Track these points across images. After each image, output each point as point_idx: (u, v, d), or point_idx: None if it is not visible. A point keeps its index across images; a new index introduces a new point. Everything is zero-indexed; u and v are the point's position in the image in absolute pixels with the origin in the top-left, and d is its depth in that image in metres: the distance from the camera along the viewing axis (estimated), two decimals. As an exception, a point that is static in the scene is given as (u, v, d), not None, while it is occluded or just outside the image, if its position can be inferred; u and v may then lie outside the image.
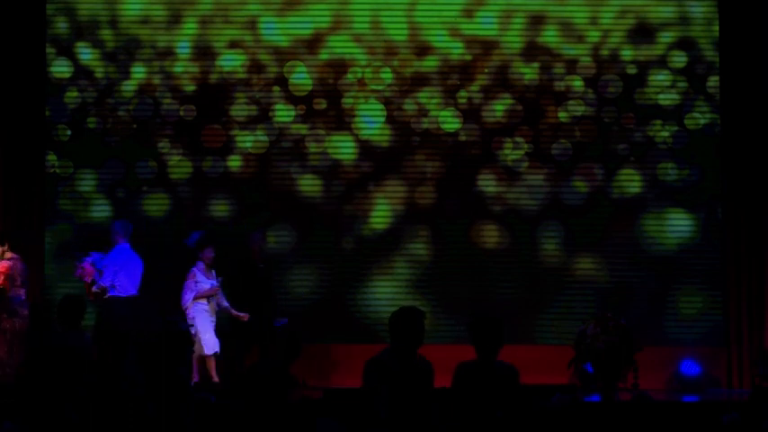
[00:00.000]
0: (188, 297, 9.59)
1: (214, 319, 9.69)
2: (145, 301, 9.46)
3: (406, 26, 10.74)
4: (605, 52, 10.72)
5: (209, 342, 9.54)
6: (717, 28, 10.65)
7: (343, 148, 10.68)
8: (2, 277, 9.34)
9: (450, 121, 10.69)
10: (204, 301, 9.62)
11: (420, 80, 10.71)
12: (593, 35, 10.72)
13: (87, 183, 10.60)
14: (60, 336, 7.60)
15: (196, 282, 9.62)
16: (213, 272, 9.75)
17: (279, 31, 10.72)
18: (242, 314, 9.70)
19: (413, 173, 10.67)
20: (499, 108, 10.69)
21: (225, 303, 9.76)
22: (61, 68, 10.64)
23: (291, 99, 10.69)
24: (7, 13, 10.48)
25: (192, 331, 9.47)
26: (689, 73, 10.69)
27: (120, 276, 9.49)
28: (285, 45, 10.72)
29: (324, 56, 10.71)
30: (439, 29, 10.72)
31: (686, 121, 10.67)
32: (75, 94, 10.63)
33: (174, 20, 10.73)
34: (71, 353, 7.16)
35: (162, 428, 6.35)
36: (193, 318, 9.53)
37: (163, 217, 10.60)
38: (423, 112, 10.69)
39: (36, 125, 10.53)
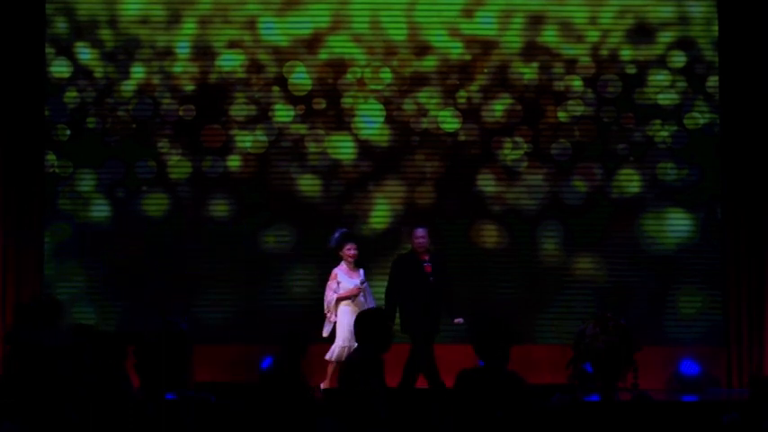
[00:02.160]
0: (330, 298, 9.22)
1: None
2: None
3: (405, 26, 10.75)
4: (605, 52, 10.72)
5: (334, 350, 9.17)
6: (716, 28, 10.66)
7: (343, 147, 10.68)
8: None
9: (449, 120, 10.69)
10: (349, 302, 9.18)
11: (419, 80, 10.71)
12: (593, 35, 10.73)
13: (87, 182, 10.59)
14: (36, 334, 7.61)
15: (338, 282, 9.25)
16: (361, 270, 9.42)
17: (278, 30, 10.72)
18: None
19: (412, 173, 10.67)
20: (498, 108, 10.70)
21: (372, 305, 9.26)
22: (60, 68, 10.64)
23: (291, 99, 10.69)
24: (6, 13, 10.47)
25: (325, 334, 9.28)
26: (688, 73, 10.69)
27: None
28: (284, 45, 10.72)
29: (323, 56, 10.71)
30: (438, 29, 10.72)
31: (686, 121, 10.68)
32: (74, 93, 10.63)
33: (174, 20, 10.72)
34: (47, 352, 7.17)
35: (162, 428, 6.34)
36: (334, 322, 9.20)
37: (162, 217, 10.59)
38: (422, 112, 10.70)
39: (35, 125, 10.52)
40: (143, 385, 7.31)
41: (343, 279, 9.28)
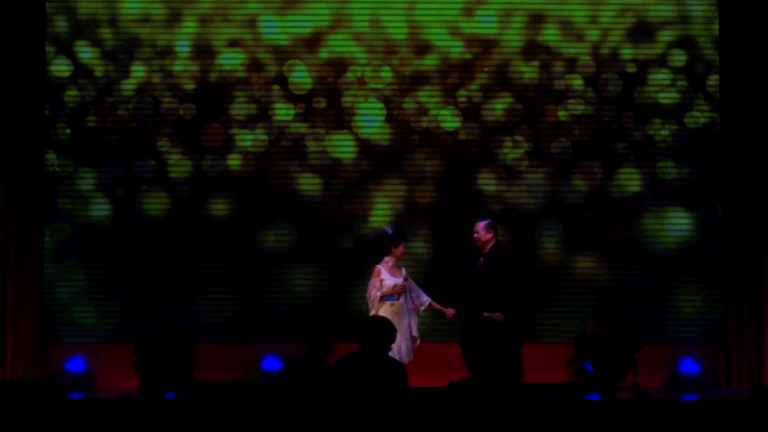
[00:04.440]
0: (374, 296, 9.02)
1: (404, 322, 8.90)
2: None
3: (405, 25, 10.74)
4: (605, 51, 10.72)
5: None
6: (716, 27, 10.66)
7: (343, 146, 10.68)
8: None
9: (449, 119, 10.69)
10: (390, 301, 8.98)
11: (420, 79, 10.71)
12: (593, 34, 10.72)
13: (87, 182, 10.58)
14: None
15: (382, 280, 9.06)
16: (403, 270, 9.21)
17: (278, 29, 10.72)
18: (446, 309, 9.27)
19: (412, 172, 10.67)
20: (499, 107, 10.69)
21: (425, 298, 9.24)
22: (61, 67, 10.63)
23: (291, 98, 10.68)
24: (6, 12, 10.46)
25: None
26: (689, 72, 10.69)
27: None
28: (285, 44, 10.72)
29: (323, 54, 10.71)
30: (439, 27, 10.72)
31: (686, 120, 10.67)
32: (74, 92, 10.62)
33: (174, 18, 10.72)
34: None
35: (162, 428, 6.33)
36: None
37: (162, 216, 10.59)
38: (422, 111, 10.69)
39: (35, 124, 10.51)
40: (143, 385, 7.29)
41: (386, 277, 9.09)
